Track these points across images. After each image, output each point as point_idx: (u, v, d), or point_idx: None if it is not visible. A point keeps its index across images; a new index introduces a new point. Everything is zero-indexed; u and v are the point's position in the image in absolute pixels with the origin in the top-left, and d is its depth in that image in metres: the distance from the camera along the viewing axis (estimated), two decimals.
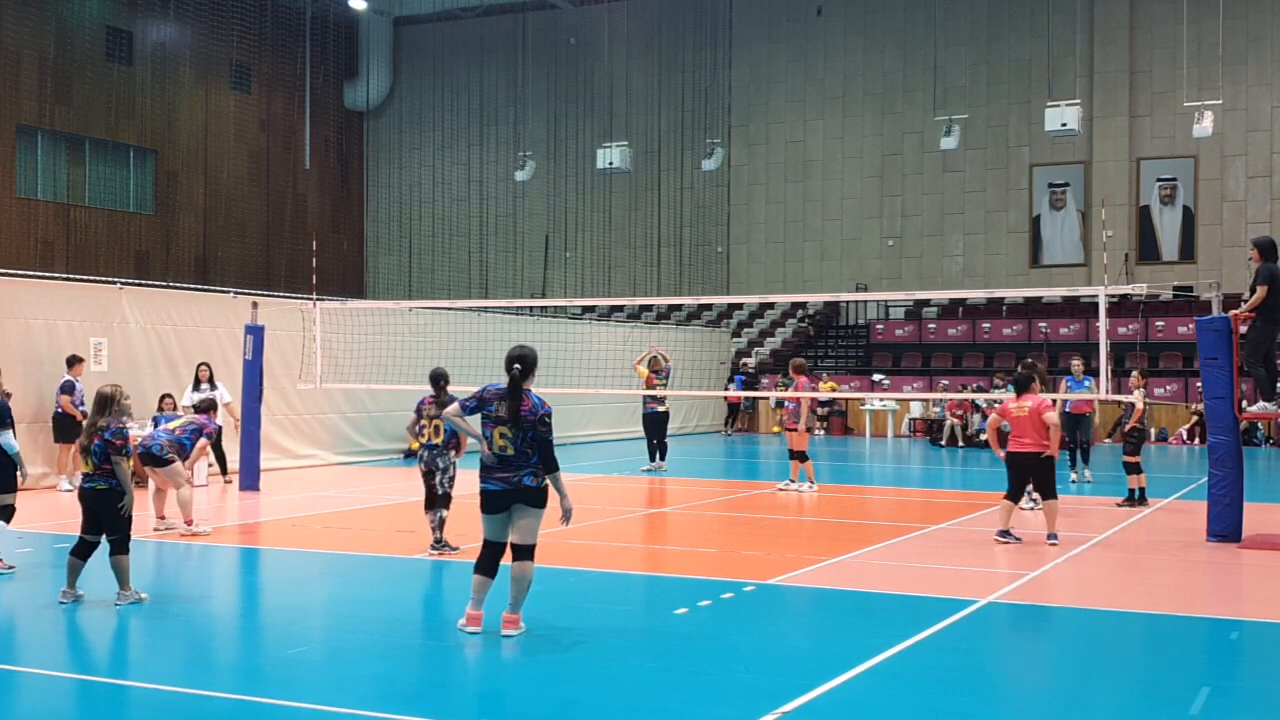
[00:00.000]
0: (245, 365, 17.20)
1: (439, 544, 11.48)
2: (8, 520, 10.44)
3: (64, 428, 16.52)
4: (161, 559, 11.37)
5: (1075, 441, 18.06)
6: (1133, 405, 15.69)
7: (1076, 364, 18.15)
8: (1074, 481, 18.06)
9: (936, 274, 36.00)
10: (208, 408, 13.52)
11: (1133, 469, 15.61)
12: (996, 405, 13.60)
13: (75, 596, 9.22)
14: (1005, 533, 12.30)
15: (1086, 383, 17.67)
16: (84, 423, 9.76)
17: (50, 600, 9.26)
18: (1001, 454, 12.74)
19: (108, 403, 9.35)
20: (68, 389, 16.46)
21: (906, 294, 35.72)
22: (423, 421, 11.67)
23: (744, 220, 39.16)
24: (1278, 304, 12.08)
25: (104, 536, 9.26)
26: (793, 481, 17.30)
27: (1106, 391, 14.58)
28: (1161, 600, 9.91)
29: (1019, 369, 13.02)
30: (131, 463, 9.67)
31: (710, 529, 14.04)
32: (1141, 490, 15.64)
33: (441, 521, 11.52)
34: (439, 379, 11.64)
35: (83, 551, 9.30)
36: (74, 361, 16.63)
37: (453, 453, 11.60)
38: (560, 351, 20.27)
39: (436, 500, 11.55)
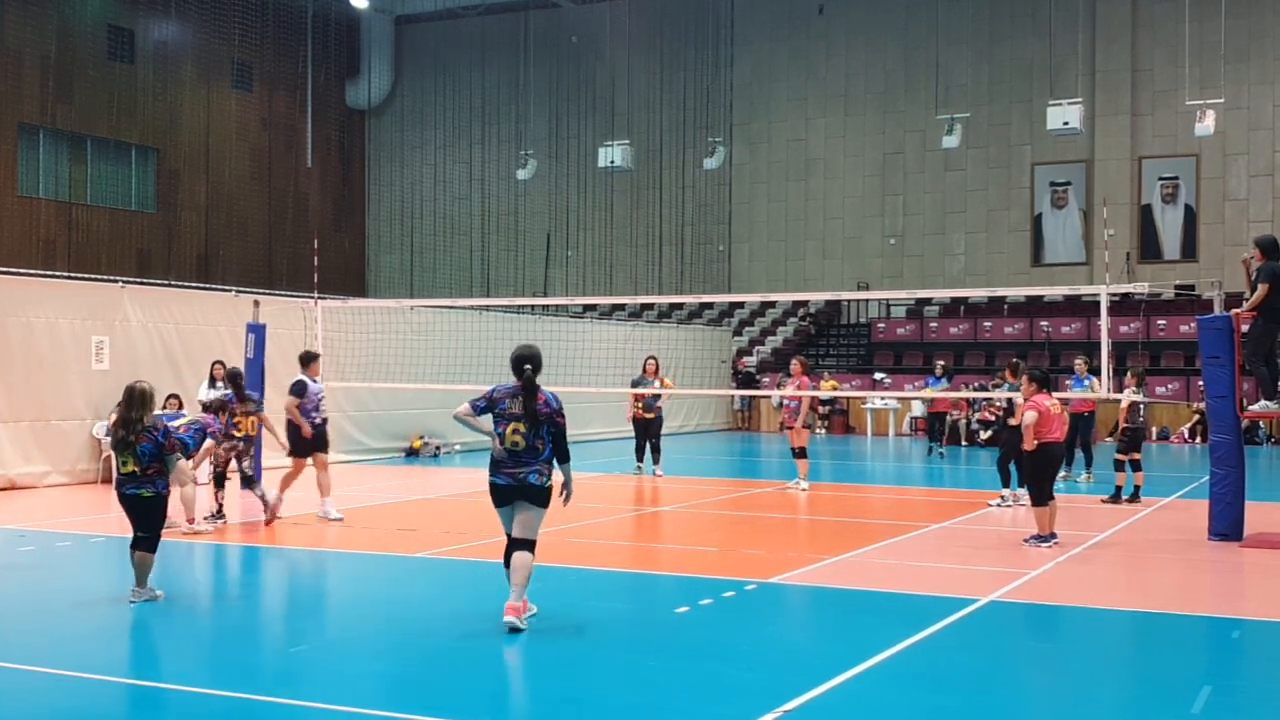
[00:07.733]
0: (247, 364, 17.17)
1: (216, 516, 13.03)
2: None
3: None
4: (164, 558, 11.36)
5: (1074, 441, 17.95)
6: (1133, 405, 15.64)
7: (1079, 362, 18.06)
8: (1080, 480, 18.01)
9: (938, 273, 35.99)
10: (217, 408, 13.54)
11: (1134, 466, 15.57)
12: (997, 402, 13.45)
13: (151, 595, 9.21)
14: (1049, 536, 12.01)
15: (1086, 381, 17.55)
16: (116, 418, 9.34)
17: (51, 598, 9.25)
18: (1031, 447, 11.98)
19: (148, 399, 9.28)
20: (298, 390, 13.66)
21: (908, 293, 35.68)
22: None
23: (745, 219, 39.16)
24: (1279, 303, 12.07)
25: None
26: (801, 480, 17.29)
27: (1109, 390, 14.55)
28: (1163, 599, 9.91)
29: (1036, 369, 12.75)
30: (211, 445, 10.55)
31: (711, 527, 14.04)
32: (1136, 489, 15.60)
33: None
34: (236, 377, 13.50)
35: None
36: (308, 360, 14.12)
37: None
38: (562, 350, 20.25)
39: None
